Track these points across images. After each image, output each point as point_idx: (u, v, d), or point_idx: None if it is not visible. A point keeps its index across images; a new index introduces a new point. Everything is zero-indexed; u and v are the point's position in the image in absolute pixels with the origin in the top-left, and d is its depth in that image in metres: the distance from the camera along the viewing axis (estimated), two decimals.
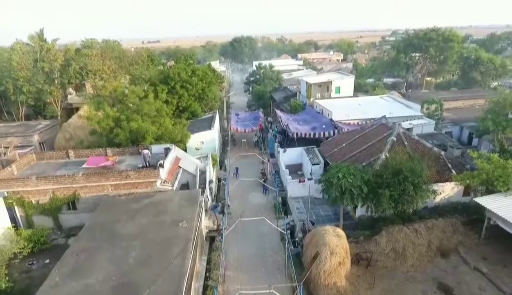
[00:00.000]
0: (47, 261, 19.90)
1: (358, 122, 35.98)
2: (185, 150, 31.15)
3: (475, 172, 21.00)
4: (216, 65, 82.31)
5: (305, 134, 34.62)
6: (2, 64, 38.96)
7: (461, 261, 19.45)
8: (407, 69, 66.39)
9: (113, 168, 24.33)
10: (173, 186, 23.50)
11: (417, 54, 64.86)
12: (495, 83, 55.85)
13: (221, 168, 35.08)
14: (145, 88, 36.53)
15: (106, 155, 26.39)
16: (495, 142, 27.28)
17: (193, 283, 16.68)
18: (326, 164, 28.65)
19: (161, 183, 22.81)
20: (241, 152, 36.32)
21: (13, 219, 22.03)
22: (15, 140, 32.35)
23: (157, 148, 26.66)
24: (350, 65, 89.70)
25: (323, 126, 35.86)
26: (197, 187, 25.59)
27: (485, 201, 20.10)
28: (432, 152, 24.87)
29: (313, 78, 52.28)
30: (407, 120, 35.41)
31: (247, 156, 35.03)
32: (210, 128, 35.32)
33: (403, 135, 25.87)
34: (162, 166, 22.79)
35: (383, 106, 40.65)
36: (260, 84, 60.23)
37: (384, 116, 32.69)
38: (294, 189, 27.42)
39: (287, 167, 30.02)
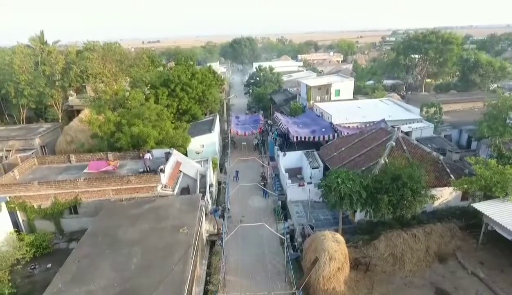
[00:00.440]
0: (49, 265, 20.11)
1: (357, 126, 36.10)
2: (186, 153, 31.28)
3: (473, 177, 21.15)
4: (217, 66, 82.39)
5: (305, 137, 34.79)
6: (4, 67, 39.09)
7: (458, 266, 19.63)
8: (407, 71, 66.62)
9: (114, 173, 24.53)
10: (173, 190, 23.66)
11: (417, 56, 65.06)
12: (494, 86, 55.91)
13: (221, 171, 35.25)
14: (145, 90, 36.67)
15: (107, 159, 26.54)
16: (492, 147, 27.41)
17: (193, 288, 16.88)
18: (325, 167, 28.82)
19: (162, 187, 22.97)
20: (241, 156, 36.40)
21: (15, 223, 22.18)
22: (17, 144, 32.43)
23: (158, 152, 26.80)
24: (350, 66, 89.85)
25: (323, 129, 35.96)
26: (198, 191, 25.74)
27: (483, 206, 20.31)
28: (430, 156, 25.02)
29: (313, 81, 52.53)
30: (406, 124, 35.58)
31: (247, 160, 35.19)
32: (211, 132, 35.37)
33: (402, 140, 26.02)
34: (163, 171, 22.95)
35: (382, 109, 40.80)
36: (260, 87, 60.35)
37: (383, 119, 32.87)
38: (294, 192, 27.63)
39: (287, 170, 30.20)
